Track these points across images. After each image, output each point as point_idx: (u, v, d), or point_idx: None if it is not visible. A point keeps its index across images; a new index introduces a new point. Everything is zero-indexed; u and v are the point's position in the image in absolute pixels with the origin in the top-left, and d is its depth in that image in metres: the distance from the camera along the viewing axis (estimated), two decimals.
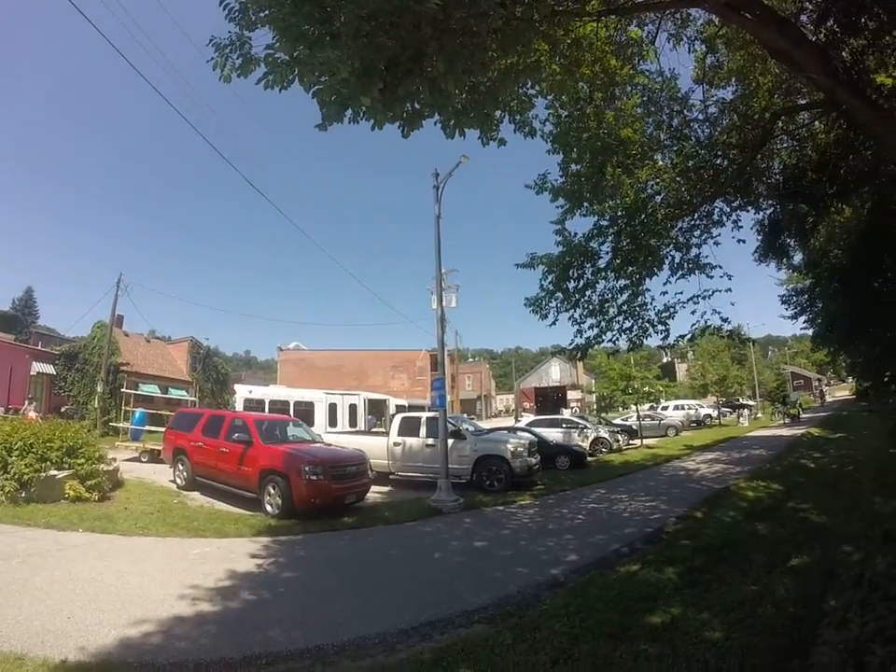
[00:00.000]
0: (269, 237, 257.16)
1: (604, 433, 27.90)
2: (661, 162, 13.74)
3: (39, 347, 39.01)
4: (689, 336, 13.62)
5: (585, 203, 13.75)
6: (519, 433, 21.24)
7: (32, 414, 23.79)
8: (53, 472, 12.28)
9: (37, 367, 35.70)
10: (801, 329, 41.17)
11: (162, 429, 21.56)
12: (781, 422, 41.12)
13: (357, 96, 5.63)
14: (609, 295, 13.87)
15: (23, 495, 11.68)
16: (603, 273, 13.69)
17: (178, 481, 15.51)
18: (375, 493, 14.99)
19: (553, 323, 13.93)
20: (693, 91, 13.02)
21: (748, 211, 14.46)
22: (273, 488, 12.30)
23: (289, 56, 5.68)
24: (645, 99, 12.79)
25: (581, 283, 13.64)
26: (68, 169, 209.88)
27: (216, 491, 14.17)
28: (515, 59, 6.82)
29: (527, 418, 35.76)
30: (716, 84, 13.13)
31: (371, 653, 5.43)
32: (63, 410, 33.17)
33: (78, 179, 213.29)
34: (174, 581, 7.51)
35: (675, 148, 13.48)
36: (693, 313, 13.04)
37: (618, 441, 28.48)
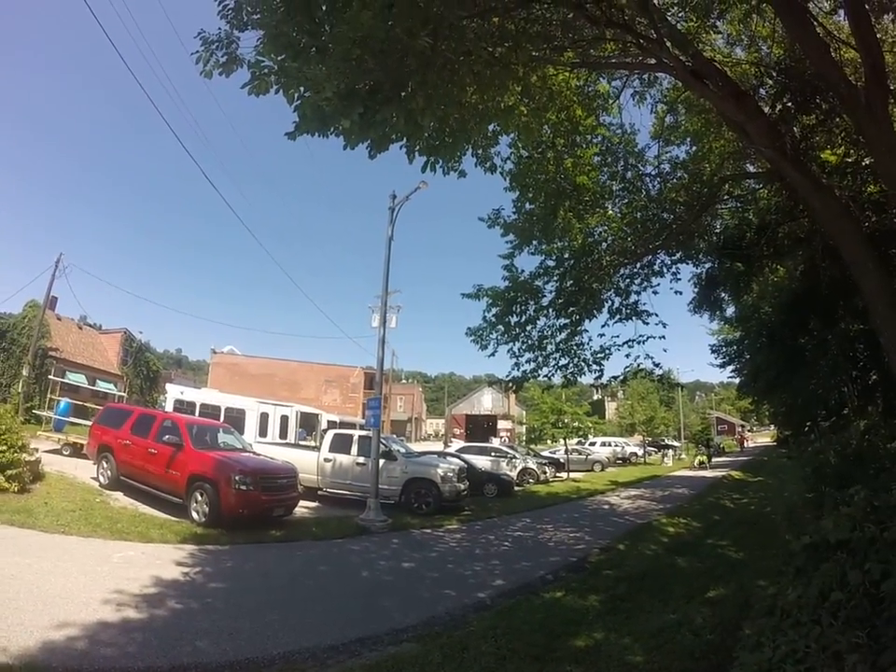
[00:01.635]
0: (207, 236, 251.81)
1: (532, 464, 28.33)
2: (611, 211, 14.42)
3: None
4: (622, 378, 14.28)
5: (535, 242, 14.33)
6: (449, 458, 21.30)
7: None
8: None
9: None
10: (728, 377, 42.51)
11: (88, 422, 20.89)
12: (692, 466, 40.97)
13: (337, 116, 5.78)
14: (549, 332, 14.48)
15: None
16: (545, 311, 14.28)
17: (102, 479, 14.83)
18: (303, 508, 14.84)
19: (493, 354, 14.48)
20: (650, 147, 13.82)
21: (687, 264, 15.41)
22: (201, 495, 12.05)
23: (276, 65, 5.80)
24: (604, 149, 13.45)
25: (524, 318, 14.19)
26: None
27: (140, 493, 13.66)
28: (490, 101, 7.10)
29: (457, 444, 36.04)
30: (672, 142, 13.98)
31: (301, 668, 5.47)
32: None
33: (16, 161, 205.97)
34: (97, 585, 7.29)
35: (626, 200, 14.19)
36: (627, 356, 13.74)
37: (545, 472, 28.90)
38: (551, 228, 13.59)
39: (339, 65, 5.48)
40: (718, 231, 15.27)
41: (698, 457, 42.69)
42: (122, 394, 33.70)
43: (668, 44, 7.97)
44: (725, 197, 14.30)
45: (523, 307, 14.11)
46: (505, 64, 6.39)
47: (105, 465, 14.93)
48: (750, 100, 8.60)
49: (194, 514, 12.04)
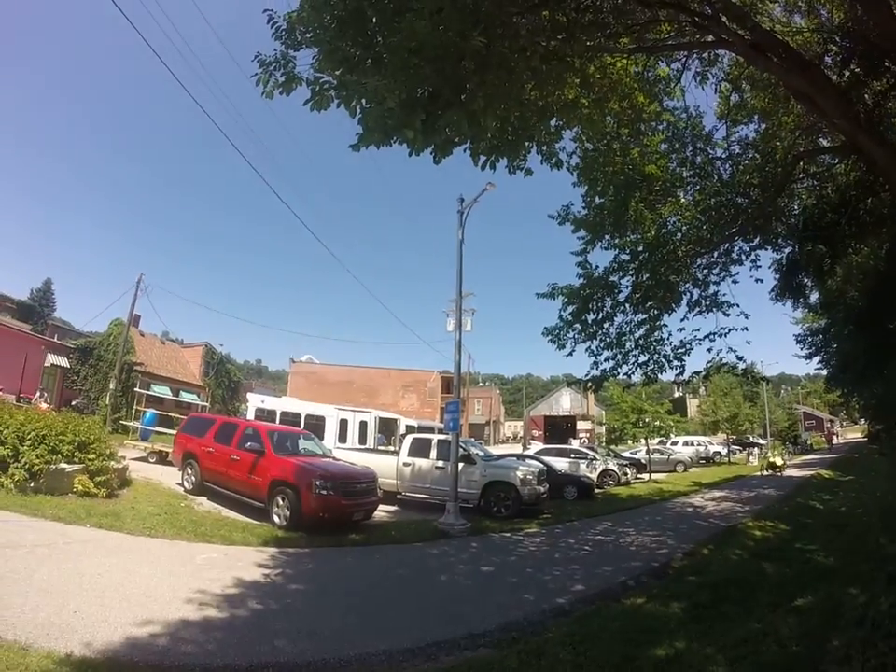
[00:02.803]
0: (283, 249, 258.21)
1: (612, 465, 27.70)
2: (683, 199, 13.86)
3: (55, 339, 39.10)
4: (704, 373, 13.67)
5: (607, 237, 13.94)
6: (528, 461, 21.14)
7: (43, 405, 24.01)
8: (63, 465, 12.34)
9: (51, 358, 35.69)
10: (815, 368, 40.27)
11: (172, 431, 21.72)
12: (759, 473, 34.86)
13: (401, 127, 5.81)
14: (627, 328, 13.98)
15: (32, 485, 11.74)
16: (622, 307, 13.83)
17: (186, 484, 15.55)
18: (382, 512, 14.98)
19: (571, 353, 14.06)
20: (717, 129, 13.17)
21: (766, 250, 14.57)
22: (283, 499, 12.34)
23: (335, 79, 5.89)
24: (670, 136, 12.96)
25: (601, 315, 13.76)
26: (96, 171, 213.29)
27: (223, 497, 14.23)
28: (549, 95, 6.97)
29: (536, 446, 35.59)
30: (739, 122, 13.27)
31: (377, 670, 5.48)
32: (73, 403, 33.29)
33: (103, 181, 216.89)
34: (181, 585, 7.53)
35: (697, 186, 13.61)
36: (708, 350, 13.10)
37: (626, 474, 28.29)
38: (622, 221, 13.21)
39: (397, 75, 5.53)
40: (796, 212, 14.37)
41: (769, 458, 35.81)
42: (205, 404, 35.08)
43: (724, 19, 7.63)
44: (801, 175, 13.50)
45: (599, 304, 13.73)
46: (561, 58, 6.27)
47: (189, 471, 15.62)
48: (816, 69, 8.09)
49: (275, 518, 12.32)
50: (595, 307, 13.67)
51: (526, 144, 7.84)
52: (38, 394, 28.39)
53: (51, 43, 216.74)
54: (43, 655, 4.88)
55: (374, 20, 5.84)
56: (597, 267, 14.05)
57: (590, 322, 13.76)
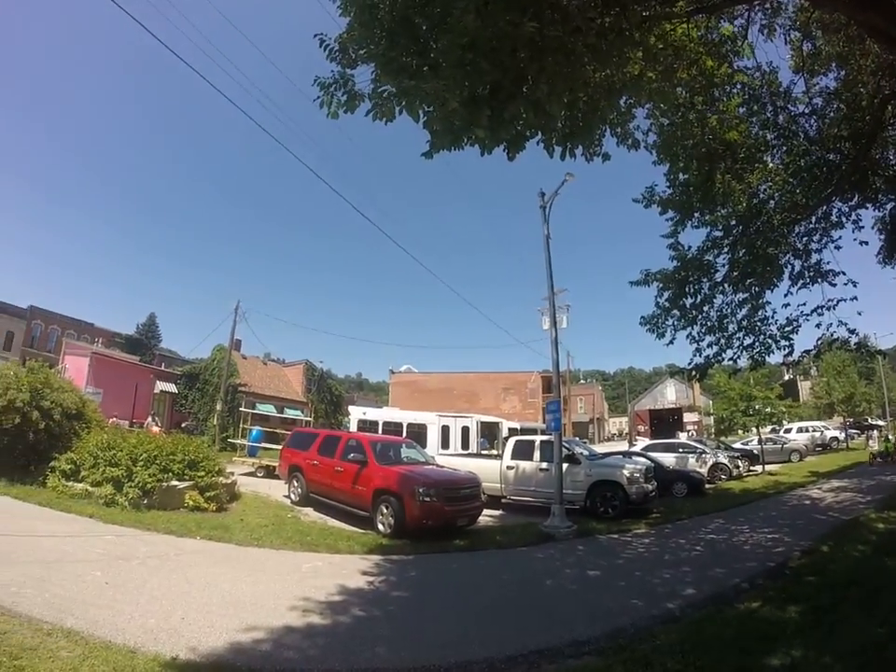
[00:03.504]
0: (375, 265, 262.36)
1: (723, 458, 26.37)
2: (771, 164, 12.95)
3: (162, 368, 41.61)
4: (814, 352, 12.72)
5: (696, 214, 13.21)
6: (634, 458, 20.43)
7: (154, 429, 25.35)
8: (175, 483, 13.14)
9: (160, 385, 38.70)
10: None
11: (278, 447, 22.45)
12: (868, 462, 31.02)
13: (468, 126, 5.74)
14: (728, 310, 13.20)
15: (145, 502, 12.51)
16: (720, 287, 13.08)
17: (293, 496, 16.16)
18: (487, 516, 14.88)
19: (671, 342, 13.39)
20: (795, 84, 12.25)
21: (867, 208, 13.33)
22: (387, 508, 12.50)
23: (396, 88, 5.88)
24: (747, 97, 12.09)
25: (699, 298, 13.06)
26: (189, 218, 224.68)
27: (329, 508, 14.64)
28: (613, 73, 6.69)
29: (642, 442, 34.52)
30: (817, 72, 12.28)
31: None
32: (183, 426, 35.59)
33: (197, 224, 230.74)
34: (286, 592, 7.71)
35: (784, 148, 12.71)
36: (817, 326, 12.19)
37: (738, 466, 26.84)
38: (710, 195, 12.36)
39: (454, 75, 5.45)
40: (893, 162, 13.10)
41: (885, 442, 32.37)
42: (308, 419, 36.09)
43: None
44: (892, 121, 12.16)
45: (696, 287, 13.04)
46: (618, 31, 5.96)
47: (295, 484, 16.25)
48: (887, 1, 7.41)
49: (380, 526, 12.52)
50: (691, 290, 13.00)
51: (599, 127, 7.56)
52: (150, 418, 29.96)
53: (138, 90, 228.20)
54: (150, 658, 5.13)
55: (423, 25, 5.81)
56: (690, 248, 13.34)
57: (688, 307, 13.07)
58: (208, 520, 12.13)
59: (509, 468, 17.49)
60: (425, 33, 5.78)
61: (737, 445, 33.58)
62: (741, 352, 13.23)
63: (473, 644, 6.18)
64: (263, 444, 27.29)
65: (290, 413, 39.51)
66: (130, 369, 39.30)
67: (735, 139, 11.81)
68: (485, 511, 14.51)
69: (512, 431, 26.16)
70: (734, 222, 13.14)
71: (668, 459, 23.71)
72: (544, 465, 16.56)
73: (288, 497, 16.34)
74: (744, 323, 13.07)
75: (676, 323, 13.23)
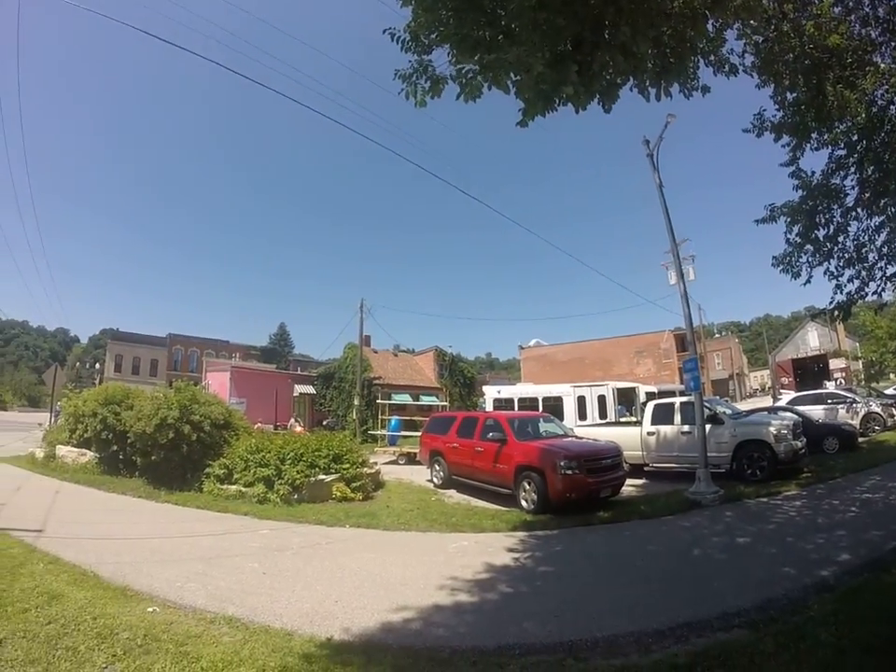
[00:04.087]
0: (491, 246, 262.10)
1: (876, 407, 23.65)
2: (882, 64, 11.66)
3: (298, 372, 43.67)
4: None
5: (813, 135, 12.03)
6: (780, 413, 18.94)
7: (297, 429, 26.52)
8: (322, 476, 13.91)
9: (299, 388, 41.11)
10: None
11: (416, 434, 23.08)
12: None
13: (558, 87, 5.56)
14: (866, 237, 11.76)
15: (295, 497, 13.37)
16: (853, 213, 11.68)
17: (435, 480, 16.64)
18: (630, 486, 14.47)
19: (808, 281, 12.24)
20: None
21: None
22: (529, 484, 12.55)
23: (478, 65, 5.79)
24: None
25: (831, 228, 11.70)
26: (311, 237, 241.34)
27: (471, 488, 14.94)
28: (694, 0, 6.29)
29: (787, 395, 32.36)
30: None
31: (625, 652, 5.26)
32: (324, 423, 37.44)
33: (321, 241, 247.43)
34: (434, 573, 7.93)
35: (892, 43, 11.51)
36: None
37: (892, 416, 23.79)
38: (824, 111, 10.96)
39: (532, 37, 5.33)
40: None
41: None
42: (444, 403, 36.80)
43: None
44: None
45: (826, 216, 11.65)
46: None
47: (437, 467, 16.72)
48: None
49: (523, 503, 12.60)
50: (822, 220, 11.75)
51: (692, 59, 7.12)
52: (293, 420, 31.33)
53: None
54: (306, 640, 5.48)
55: None
56: (813, 173, 12.10)
57: (821, 239, 11.82)
58: (356, 509, 12.70)
59: (649, 433, 16.87)
60: (490, 2, 5.64)
61: (890, 391, 30.23)
62: (885, 283, 12.06)
63: (620, 617, 6.08)
64: (402, 433, 28.35)
65: (425, 400, 40.46)
66: (268, 377, 41.88)
67: (838, 43, 10.51)
68: (628, 481, 14.09)
69: (650, 395, 24.96)
70: (855, 137, 11.70)
71: (817, 412, 21.91)
72: (686, 428, 15.83)
73: (431, 480, 16.79)
74: (884, 250, 11.82)
75: (810, 259, 12.05)
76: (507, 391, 28.38)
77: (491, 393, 28.33)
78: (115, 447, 16.42)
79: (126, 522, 11.17)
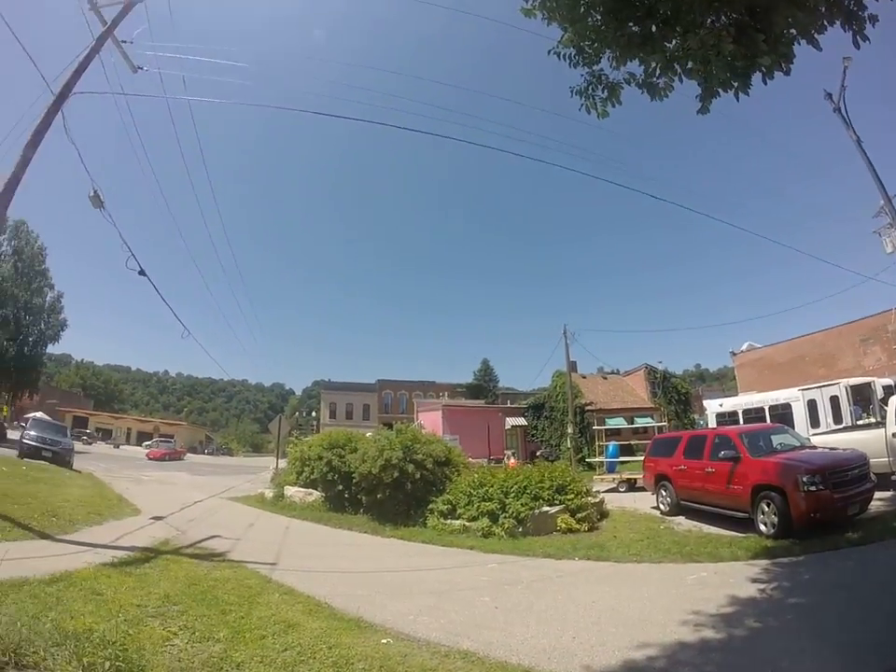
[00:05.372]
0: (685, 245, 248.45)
1: None
2: None
3: (507, 405, 44.22)
4: None
5: None
6: None
7: (512, 461, 26.45)
8: (546, 508, 13.86)
9: (510, 421, 41.37)
10: None
11: (634, 459, 22.18)
12: None
13: (753, 60, 5.36)
14: None
15: (520, 529, 13.43)
16: None
17: (662, 506, 15.64)
18: (877, 500, 12.42)
19: None
20: None
21: None
22: (767, 505, 11.39)
23: (660, 63, 5.73)
24: None
25: None
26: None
27: (701, 514, 13.87)
28: None
29: None
30: None
31: None
32: (538, 454, 37.32)
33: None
34: (673, 606, 7.39)
35: None
36: None
37: None
38: None
39: (703, 12, 5.24)
40: None
41: None
42: (661, 423, 34.78)
43: None
44: None
45: None
46: None
47: (663, 493, 15.73)
48: None
49: (762, 527, 11.44)
50: None
51: None
52: (510, 453, 31.35)
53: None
54: None
55: None
56: None
57: None
58: (582, 540, 12.41)
59: (895, 435, 14.23)
60: None
61: None
62: None
63: (872, 657, 5.20)
64: (620, 458, 27.23)
65: (640, 422, 38.77)
66: (479, 412, 43.21)
67: None
68: (875, 495, 12.13)
69: (887, 389, 21.82)
70: None
71: None
72: None
73: (657, 507, 15.87)
74: None
75: None
76: (729, 403, 26.17)
77: (712, 407, 26.42)
78: (340, 487, 17.65)
79: (354, 556, 11.98)
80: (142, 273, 15.28)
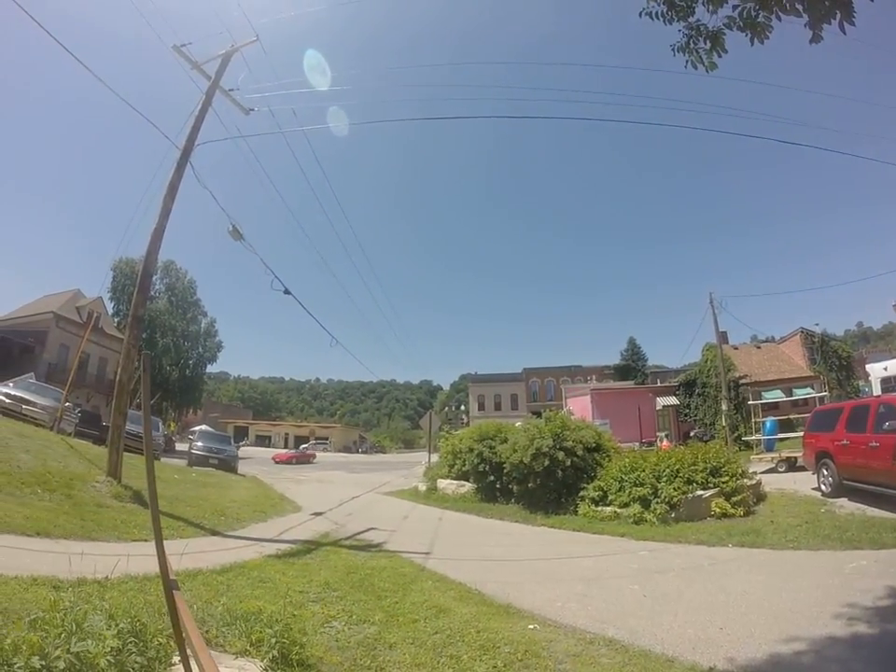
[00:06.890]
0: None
1: None
2: None
3: (657, 384, 42.95)
4: None
5: None
6: None
7: (665, 443, 25.75)
8: (699, 492, 13.41)
9: (660, 401, 40.15)
10: None
11: (794, 435, 20.90)
12: None
13: None
14: None
15: (672, 515, 13.13)
16: None
17: (823, 487, 14.46)
18: None
19: None
20: None
21: None
22: None
23: None
24: None
25: None
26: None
27: (866, 495, 12.66)
28: None
29: None
30: None
31: None
32: (692, 434, 35.87)
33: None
34: (828, 598, 7.06)
35: None
36: None
37: None
38: None
39: None
40: None
41: None
42: (822, 394, 32.29)
43: None
44: None
45: None
46: None
47: (824, 472, 14.54)
48: None
49: None
50: None
51: None
52: (662, 435, 30.66)
53: None
54: (686, 667, 5.28)
55: None
56: None
57: None
58: (737, 526, 11.94)
59: None
60: None
61: None
62: None
63: None
64: (779, 435, 25.56)
65: (799, 394, 35.69)
66: (628, 394, 42.09)
67: None
68: None
69: None
70: None
71: None
72: None
73: (818, 488, 14.71)
74: None
75: None
76: (895, 366, 23.53)
77: (877, 372, 23.77)
78: (491, 477, 18.23)
79: (505, 545, 12.31)
80: (287, 291, 16.50)
